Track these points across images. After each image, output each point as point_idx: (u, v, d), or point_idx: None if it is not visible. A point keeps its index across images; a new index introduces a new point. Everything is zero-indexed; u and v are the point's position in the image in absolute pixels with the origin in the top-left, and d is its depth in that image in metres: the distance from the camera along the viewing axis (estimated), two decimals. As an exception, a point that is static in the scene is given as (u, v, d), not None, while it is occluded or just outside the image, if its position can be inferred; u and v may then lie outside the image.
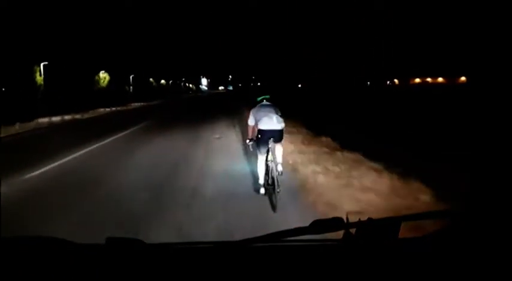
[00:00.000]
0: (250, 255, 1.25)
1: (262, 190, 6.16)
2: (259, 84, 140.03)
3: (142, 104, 44.25)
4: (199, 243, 1.27)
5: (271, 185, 5.76)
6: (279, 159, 6.08)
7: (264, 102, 6.33)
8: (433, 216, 1.35)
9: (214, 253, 1.24)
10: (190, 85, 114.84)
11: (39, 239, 1.20)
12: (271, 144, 5.93)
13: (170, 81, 74.26)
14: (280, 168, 5.90)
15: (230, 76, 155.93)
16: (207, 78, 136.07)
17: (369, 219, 1.23)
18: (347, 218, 1.26)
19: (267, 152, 5.99)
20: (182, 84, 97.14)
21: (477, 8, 59.93)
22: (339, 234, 1.29)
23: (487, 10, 57.28)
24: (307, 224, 1.16)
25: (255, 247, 1.25)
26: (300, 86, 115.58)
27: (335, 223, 1.22)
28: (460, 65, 75.47)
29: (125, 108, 36.65)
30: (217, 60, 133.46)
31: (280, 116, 6.12)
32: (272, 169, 5.77)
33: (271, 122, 5.98)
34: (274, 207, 5.49)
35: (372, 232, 1.21)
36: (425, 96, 42.51)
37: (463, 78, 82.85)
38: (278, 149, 6.14)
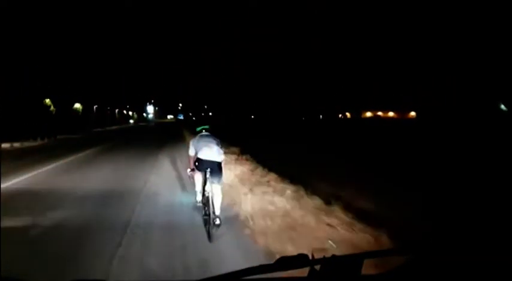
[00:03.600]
0: None
1: (199, 197, 6.34)
2: (210, 114, 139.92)
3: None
4: None
5: (207, 215, 5.81)
6: (218, 203, 5.96)
7: (204, 132, 6.51)
8: (395, 253, 1.43)
9: None
10: (131, 113, 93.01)
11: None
12: (208, 175, 5.96)
13: (95, 107, 55.91)
14: (218, 212, 5.86)
15: (180, 105, 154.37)
16: (154, 105, 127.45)
17: (333, 256, 1.28)
18: (312, 255, 1.31)
19: (205, 181, 6.04)
20: (117, 111, 74.50)
21: (429, 42, 64.36)
22: (304, 271, 1.33)
23: (439, 44, 61.66)
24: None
25: None
26: (252, 117, 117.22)
27: (300, 260, 1.27)
28: (410, 100, 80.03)
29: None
30: (166, 87, 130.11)
31: (220, 147, 6.26)
32: (210, 200, 5.81)
33: (211, 152, 6.11)
34: (210, 237, 5.56)
35: (336, 268, 1.26)
36: (376, 129, 44.87)
37: (412, 113, 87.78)
38: (217, 192, 6.05)
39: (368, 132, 37.24)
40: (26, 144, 23.88)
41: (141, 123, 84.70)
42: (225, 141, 15.32)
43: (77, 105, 48.24)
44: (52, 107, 38.91)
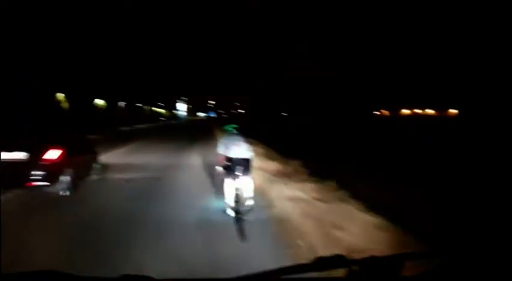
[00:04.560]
0: None
1: (229, 211, 6.42)
2: (242, 111, 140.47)
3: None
4: (201, 280, 1.29)
5: (238, 212, 6.07)
6: (250, 193, 6.46)
7: (233, 131, 7.02)
8: (438, 255, 1.39)
9: None
10: (163, 110, 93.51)
11: (37, 274, 1.22)
12: (238, 172, 6.33)
13: (123, 104, 55.44)
14: (251, 202, 6.38)
15: (212, 102, 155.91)
16: (186, 103, 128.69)
17: (372, 257, 1.26)
18: (350, 256, 1.30)
19: (235, 179, 6.38)
20: (150, 108, 75.77)
21: (471, 41, 62.36)
22: (341, 272, 1.31)
23: (480, 43, 59.65)
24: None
25: None
26: (284, 114, 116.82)
27: (338, 260, 1.26)
28: (451, 98, 77.64)
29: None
30: (198, 84, 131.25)
31: (248, 145, 6.73)
32: (241, 198, 6.15)
33: (240, 150, 6.51)
34: (241, 235, 5.69)
35: (375, 270, 1.24)
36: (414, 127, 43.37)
37: (452, 111, 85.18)
38: (248, 183, 6.47)
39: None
40: None
41: (172, 121, 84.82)
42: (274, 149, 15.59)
43: (99, 102, 46.30)
44: (65, 103, 34.62)
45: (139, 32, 55.93)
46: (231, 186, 6.44)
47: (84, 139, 12.23)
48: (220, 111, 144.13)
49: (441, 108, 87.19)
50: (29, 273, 1.23)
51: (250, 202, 6.29)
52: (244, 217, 5.91)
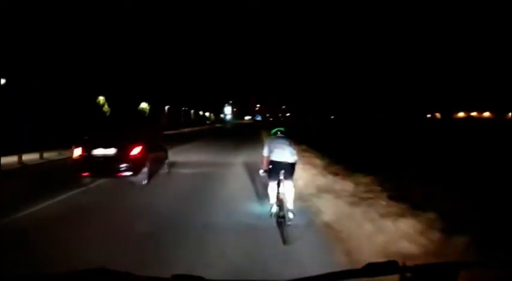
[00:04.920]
0: None
1: (274, 208, 6.35)
2: (288, 115, 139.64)
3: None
4: None
5: (282, 217, 5.96)
6: (290, 198, 6.21)
7: (279, 134, 6.83)
8: (495, 265, 1.34)
9: None
10: (207, 114, 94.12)
11: (90, 272, 1.27)
12: (282, 177, 6.20)
13: (166, 107, 55.14)
14: (291, 207, 6.08)
15: (258, 105, 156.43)
16: (232, 106, 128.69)
17: (426, 264, 1.25)
18: (403, 262, 1.29)
19: (278, 184, 6.31)
20: (192, 112, 74.33)
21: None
22: (394, 279, 1.31)
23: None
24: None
25: None
26: (332, 117, 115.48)
27: (390, 267, 1.25)
28: (510, 100, 73.72)
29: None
30: (244, 87, 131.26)
31: (294, 149, 6.49)
32: (284, 203, 6.00)
33: (284, 154, 6.34)
34: (284, 240, 5.63)
35: (429, 277, 1.23)
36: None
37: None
38: (289, 187, 6.27)
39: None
40: (47, 155, 17.30)
41: (217, 125, 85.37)
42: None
43: (143, 105, 46.46)
44: (106, 107, 34.00)
45: (183, 34, 57.13)
46: (274, 190, 6.44)
47: (157, 139, 14.40)
48: (267, 115, 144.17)
49: (500, 111, 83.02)
50: (82, 271, 1.26)
51: (290, 215, 6.05)
52: (288, 222, 5.79)
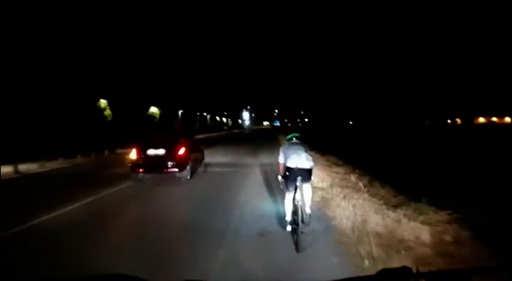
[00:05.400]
0: None
1: (289, 227, 6.35)
2: (306, 120, 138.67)
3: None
4: None
5: (296, 224, 5.89)
6: (308, 200, 6.26)
7: (294, 140, 6.74)
8: (507, 272, 1.37)
9: None
10: (224, 119, 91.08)
11: (107, 278, 1.32)
12: (298, 183, 6.14)
13: (180, 112, 52.24)
14: (308, 210, 6.09)
15: (276, 111, 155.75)
16: (251, 112, 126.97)
17: (439, 270, 1.29)
18: (417, 269, 1.33)
19: (295, 190, 6.20)
20: (208, 117, 70.63)
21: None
22: None
23: None
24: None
25: None
26: (351, 123, 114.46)
27: (404, 273, 1.28)
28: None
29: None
30: (263, 92, 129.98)
31: (309, 154, 6.43)
32: (299, 209, 5.95)
33: (300, 160, 6.26)
34: (297, 247, 5.64)
35: None
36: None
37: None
38: (307, 190, 6.30)
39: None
40: (50, 165, 17.38)
41: (235, 131, 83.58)
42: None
43: (153, 110, 42.41)
44: (108, 111, 31.51)
45: (195, 35, 54.99)
46: (290, 204, 6.37)
47: (196, 142, 16.48)
48: (285, 120, 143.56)
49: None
50: (99, 276, 1.30)
51: (307, 210, 6.06)
52: (303, 230, 5.69)
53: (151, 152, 12.39)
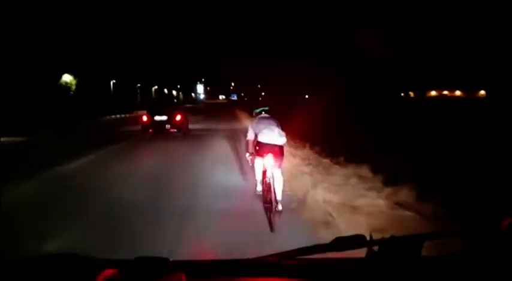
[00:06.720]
0: (267, 273, 1.25)
1: (259, 187, 6.37)
2: (263, 94, 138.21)
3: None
4: (218, 261, 1.32)
5: (269, 203, 5.73)
6: (279, 194, 5.85)
7: (263, 114, 6.41)
8: (458, 234, 1.42)
9: (231, 271, 1.26)
10: (174, 92, 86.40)
11: (61, 257, 1.27)
12: (270, 169, 5.85)
13: (112, 82, 45.20)
14: (279, 207, 5.68)
15: (233, 84, 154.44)
16: (205, 85, 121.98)
17: (392, 237, 1.30)
18: (370, 236, 1.33)
19: (267, 166, 5.97)
20: (153, 90, 64.57)
21: (501, 20, 60.07)
22: (361, 252, 1.36)
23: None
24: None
25: (272, 264, 1.29)
26: (307, 96, 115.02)
27: (357, 241, 1.29)
28: (479, 78, 75.47)
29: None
30: (218, 64, 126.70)
31: (281, 129, 6.12)
32: (272, 187, 5.73)
33: (273, 135, 5.94)
34: (272, 226, 5.51)
35: (395, 250, 1.27)
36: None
37: (482, 92, 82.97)
38: (277, 180, 5.89)
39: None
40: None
41: (187, 105, 76.44)
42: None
43: (67, 78, 34.41)
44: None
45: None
46: (260, 167, 6.17)
47: (185, 110, 21.71)
48: (242, 94, 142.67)
49: (470, 89, 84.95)
50: (52, 255, 1.27)
51: (279, 207, 5.64)
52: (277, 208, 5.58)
53: (157, 118, 17.56)
